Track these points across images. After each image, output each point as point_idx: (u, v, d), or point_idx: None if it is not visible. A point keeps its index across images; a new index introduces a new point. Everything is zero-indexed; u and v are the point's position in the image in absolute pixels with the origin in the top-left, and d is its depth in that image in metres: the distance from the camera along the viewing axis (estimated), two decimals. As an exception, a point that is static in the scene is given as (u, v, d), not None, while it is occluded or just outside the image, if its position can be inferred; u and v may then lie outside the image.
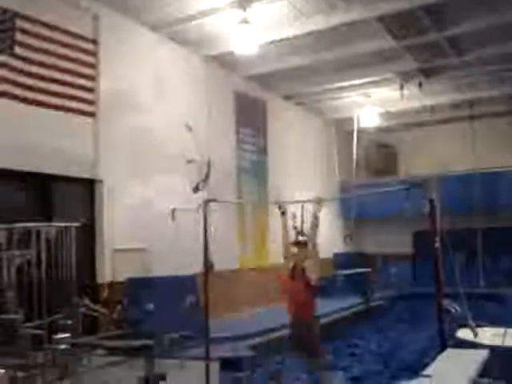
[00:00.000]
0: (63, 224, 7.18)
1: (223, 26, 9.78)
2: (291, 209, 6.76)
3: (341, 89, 13.84)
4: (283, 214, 6.59)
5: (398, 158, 18.34)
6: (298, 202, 6.98)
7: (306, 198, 7.02)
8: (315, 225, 6.16)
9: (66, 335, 6.38)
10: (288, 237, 6.40)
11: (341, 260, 15.32)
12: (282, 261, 6.41)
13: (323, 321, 10.75)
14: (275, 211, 12.56)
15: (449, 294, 5.33)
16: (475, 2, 9.34)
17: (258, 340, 8.85)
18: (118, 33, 9.22)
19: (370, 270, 13.87)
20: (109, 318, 7.79)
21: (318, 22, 9.78)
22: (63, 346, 6.21)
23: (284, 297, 6.22)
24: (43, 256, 6.79)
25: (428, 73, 12.85)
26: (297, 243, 6.26)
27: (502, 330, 8.13)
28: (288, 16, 9.68)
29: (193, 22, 9.71)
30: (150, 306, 8.02)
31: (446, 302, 5.19)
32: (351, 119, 15.69)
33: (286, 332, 9.25)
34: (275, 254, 12.93)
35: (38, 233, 6.80)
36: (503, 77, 13.07)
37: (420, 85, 13.07)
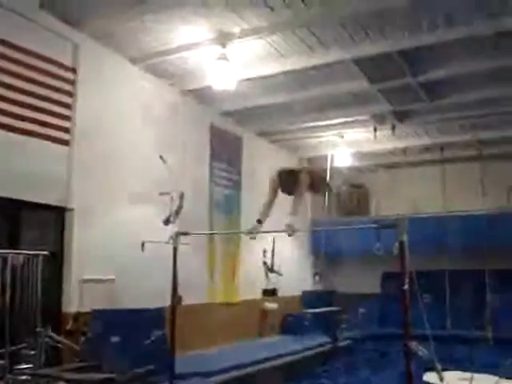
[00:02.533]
0: (31, 252, 7.07)
1: (202, 61, 9.89)
2: (261, 244, 6.79)
3: (315, 128, 14.00)
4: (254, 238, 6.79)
5: (369, 199, 18.52)
6: (269, 232, 7.02)
7: (277, 236, 7.06)
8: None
9: (28, 366, 6.24)
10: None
11: (310, 298, 15.28)
12: None
13: (290, 359, 10.75)
14: (246, 247, 12.62)
15: (416, 335, 5.35)
16: (450, 49, 9.59)
17: (224, 377, 8.75)
18: (98, 63, 9.25)
19: (338, 308, 13.86)
20: (73, 349, 7.63)
21: (296, 62, 9.95)
22: (24, 377, 6.07)
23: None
24: (8, 283, 6.67)
25: (401, 116, 13.10)
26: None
27: (468, 375, 8.17)
28: (266, 55, 9.83)
29: (172, 56, 9.80)
30: (115, 339, 7.88)
31: (413, 345, 5.21)
32: (324, 158, 15.84)
33: (252, 370, 9.21)
34: (245, 290, 12.96)
35: (4, 259, 6.69)
36: (475, 122, 13.37)
37: (393, 128, 13.32)
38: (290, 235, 6.64)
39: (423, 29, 8.81)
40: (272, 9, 8.22)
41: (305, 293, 15.68)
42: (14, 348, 6.45)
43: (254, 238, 6.90)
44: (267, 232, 6.98)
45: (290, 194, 6.72)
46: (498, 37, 9.00)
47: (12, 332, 6.53)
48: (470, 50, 9.67)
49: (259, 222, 6.76)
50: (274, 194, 6.90)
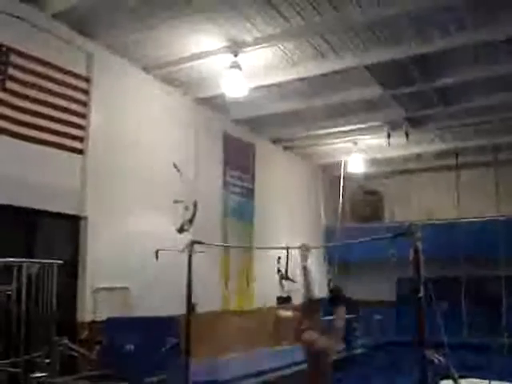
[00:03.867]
0: (45, 261, 7.10)
1: (214, 70, 9.92)
2: (276, 251, 6.77)
3: (329, 135, 13.99)
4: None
5: (383, 205, 18.45)
6: (283, 248, 6.96)
7: (291, 243, 7.04)
8: (307, 279, 6.06)
9: (43, 374, 6.25)
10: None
11: (324, 305, 15.19)
12: None
13: (304, 367, 10.67)
14: (260, 255, 12.57)
15: (432, 343, 5.30)
16: (462, 54, 9.56)
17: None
18: (111, 72, 9.31)
19: (353, 316, 13.77)
20: (87, 358, 7.64)
21: (308, 69, 9.96)
22: (39, 386, 6.08)
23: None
24: (23, 292, 6.70)
25: (415, 122, 13.04)
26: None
27: (485, 382, 8.06)
28: (279, 62, 9.85)
29: (185, 65, 9.85)
30: (130, 347, 7.88)
31: (428, 352, 5.16)
32: (338, 165, 15.82)
33: (265, 378, 9.16)
34: (259, 297, 12.93)
35: (20, 268, 6.72)
36: (489, 128, 13.28)
37: (407, 134, 13.26)
38: (304, 254, 6.50)
39: (435, 35, 8.79)
40: (284, 16, 8.24)
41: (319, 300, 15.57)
42: (28, 356, 6.46)
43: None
44: (282, 248, 6.92)
45: None
46: (510, 41, 8.95)
47: (27, 340, 6.55)
48: (484, 56, 9.63)
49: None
50: None
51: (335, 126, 13.28)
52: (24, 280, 6.70)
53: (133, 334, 8.01)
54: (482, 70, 10.01)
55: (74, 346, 7.32)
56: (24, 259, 6.89)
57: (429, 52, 9.32)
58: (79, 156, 8.57)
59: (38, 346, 6.58)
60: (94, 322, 8.38)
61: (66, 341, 7.06)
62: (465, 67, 10.04)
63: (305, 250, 6.23)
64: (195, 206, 9.35)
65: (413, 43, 9.02)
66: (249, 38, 8.88)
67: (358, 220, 17.98)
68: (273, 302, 13.63)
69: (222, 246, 11.43)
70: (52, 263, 7.11)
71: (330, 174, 17.56)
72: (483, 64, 9.87)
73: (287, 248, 6.86)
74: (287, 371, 10.14)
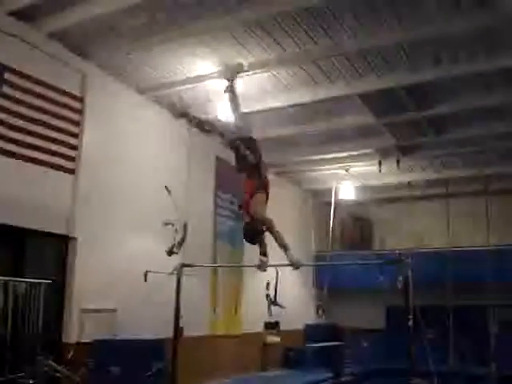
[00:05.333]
0: (33, 280, 7.05)
1: (208, 94, 9.99)
2: (264, 276, 6.75)
3: (320, 161, 14.04)
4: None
5: (373, 232, 18.47)
6: (274, 265, 6.94)
7: (280, 267, 7.02)
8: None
9: (27, 395, 6.17)
10: None
11: (312, 331, 15.14)
12: None
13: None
14: (249, 279, 12.54)
15: (420, 371, 5.28)
16: (455, 84, 9.68)
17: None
18: (105, 92, 9.35)
19: (341, 343, 13.71)
20: (72, 379, 7.54)
21: (301, 96, 10.04)
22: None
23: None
24: (9, 311, 6.63)
25: (405, 150, 13.12)
26: None
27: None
28: (272, 88, 9.94)
29: (178, 87, 9.90)
30: (116, 370, 7.80)
31: (416, 381, 5.15)
32: (329, 191, 15.86)
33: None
34: (247, 322, 12.85)
35: (6, 287, 6.66)
36: (480, 157, 13.36)
37: (398, 162, 13.34)
38: (295, 268, 6.55)
39: (428, 64, 8.91)
40: (279, 43, 8.33)
41: (307, 326, 15.53)
42: (13, 376, 6.38)
43: (265, 271, 6.82)
44: (273, 266, 6.91)
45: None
46: (503, 73, 9.08)
47: (12, 360, 6.47)
48: (475, 86, 9.75)
49: (263, 253, 6.65)
50: None
51: (327, 153, 13.33)
52: (11, 299, 6.65)
53: (119, 357, 7.93)
54: (474, 100, 10.12)
55: (58, 367, 7.24)
56: (11, 278, 6.85)
57: (421, 81, 9.43)
58: (70, 176, 8.56)
59: (23, 365, 6.50)
60: (79, 343, 8.28)
61: (50, 361, 6.98)
62: (457, 97, 10.15)
63: (296, 265, 6.27)
64: (185, 228, 9.30)
65: (405, 72, 9.14)
66: (244, 63, 8.93)
67: (347, 247, 17.97)
68: (260, 328, 13.54)
69: (210, 266, 11.39)
70: (39, 283, 7.06)
71: (320, 200, 17.58)
72: (475, 94, 9.99)
73: (276, 268, 6.84)
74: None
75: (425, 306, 5.73)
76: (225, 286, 12.42)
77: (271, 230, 6.12)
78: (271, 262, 6.74)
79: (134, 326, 8.95)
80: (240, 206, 6.85)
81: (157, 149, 10.57)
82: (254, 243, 6.39)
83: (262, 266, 6.64)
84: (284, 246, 6.11)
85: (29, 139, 7.85)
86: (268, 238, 6.48)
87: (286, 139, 12.46)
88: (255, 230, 6.19)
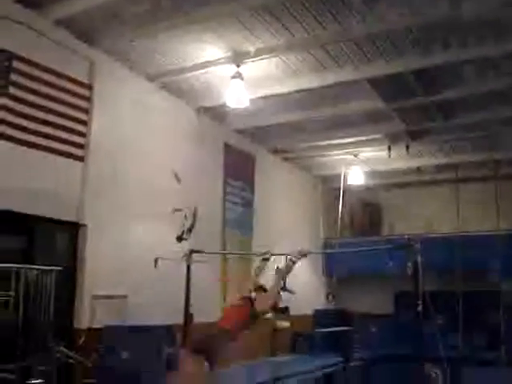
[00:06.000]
0: (44, 267, 7.09)
1: (216, 80, 9.96)
2: (275, 262, 6.78)
3: (329, 146, 14.00)
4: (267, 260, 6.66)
5: (382, 217, 18.44)
6: (282, 254, 6.98)
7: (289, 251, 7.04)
8: (286, 271, 6.22)
9: (39, 381, 6.23)
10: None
11: (321, 317, 15.15)
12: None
13: (302, 378, 10.65)
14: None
15: (429, 357, 5.29)
16: (464, 69, 9.61)
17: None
18: (113, 80, 9.34)
19: (350, 328, 13.73)
20: (84, 365, 7.61)
21: (310, 81, 10.00)
22: (35, 393, 6.06)
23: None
24: (21, 298, 6.69)
25: (415, 135, 13.05)
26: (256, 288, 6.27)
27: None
28: (280, 73, 9.89)
29: (187, 74, 9.89)
30: (125, 355, 7.85)
31: (426, 366, 5.16)
32: (338, 176, 15.83)
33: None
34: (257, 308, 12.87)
35: (18, 274, 6.71)
36: (489, 142, 13.30)
37: (407, 147, 13.28)
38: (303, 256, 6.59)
39: (437, 49, 8.84)
40: (287, 28, 8.28)
41: (317, 311, 15.55)
42: (24, 363, 6.44)
43: (268, 260, 6.87)
44: (280, 254, 6.95)
45: None
46: (511, 57, 9.00)
47: (24, 347, 6.54)
48: (484, 70, 9.67)
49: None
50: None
51: (336, 138, 13.29)
52: (22, 286, 6.70)
53: (130, 342, 7.99)
54: (483, 85, 10.05)
55: (70, 353, 7.31)
56: (22, 265, 6.90)
57: (430, 66, 9.36)
58: (79, 163, 8.59)
59: (35, 352, 6.56)
60: (91, 329, 8.36)
61: (62, 348, 7.04)
62: (466, 81, 10.07)
63: (303, 254, 6.28)
64: (195, 214, 9.34)
65: (414, 57, 9.07)
66: (251, 49, 8.91)
67: (357, 232, 17.95)
68: (270, 313, 13.56)
69: (220, 253, 11.43)
70: (50, 269, 7.11)
71: (329, 186, 17.56)
72: (484, 78, 9.91)
73: (286, 256, 6.87)
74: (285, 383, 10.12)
75: (434, 291, 5.73)
76: (235, 272, 12.45)
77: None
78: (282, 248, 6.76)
79: (144, 312, 9.00)
80: None
81: (165, 135, 10.58)
82: None
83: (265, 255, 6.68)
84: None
85: (37, 127, 7.85)
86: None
87: (294, 125, 12.43)
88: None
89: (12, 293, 6.62)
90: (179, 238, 9.15)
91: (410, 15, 7.80)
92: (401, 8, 7.69)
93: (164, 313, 8.88)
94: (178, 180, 9.35)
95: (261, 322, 6.21)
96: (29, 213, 7.73)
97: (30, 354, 6.55)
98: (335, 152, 14.56)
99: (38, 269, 7.00)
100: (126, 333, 8.23)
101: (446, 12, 7.58)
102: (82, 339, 8.18)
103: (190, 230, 9.18)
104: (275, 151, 14.73)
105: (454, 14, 7.59)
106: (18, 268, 6.75)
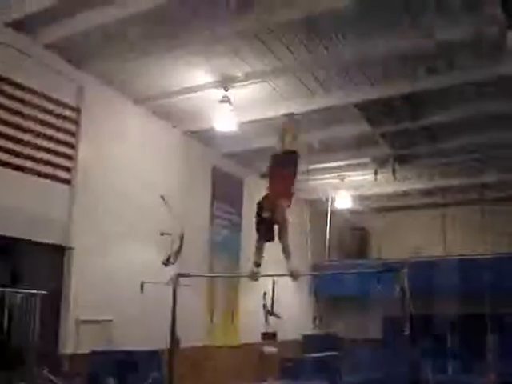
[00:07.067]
0: (29, 291, 7.02)
1: (204, 104, 9.99)
2: (262, 286, 6.75)
3: (316, 170, 14.03)
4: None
5: (370, 241, 18.46)
6: (271, 275, 6.94)
7: (278, 278, 7.01)
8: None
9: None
10: None
11: (310, 342, 15.06)
12: None
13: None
14: (246, 289, 12.47)
15: (418, 381, 5.27)
16: (450, 93, 9.71)
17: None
18: (101, 102, 9.35)
19: (339, 353, 13.64)
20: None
21: (297, 106, 10.04)
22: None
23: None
24: (5, 322, 6.60)
25: (401, 159, 13.13)
26: None
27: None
28: (268, 98, 9.95)
29: (175, 98, 9.92)
30: (110, 381, 7.75)
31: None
32: (325, 200, 15.85)
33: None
34: (244, 333, 12.81)
35: (2, 298, 6.63)
36: (476, 166, 13.40)
37: (394, 171, 13.35)
38: (294, 279, 6.57)
39: (423, 74, 8.94)
40: (275, 53, 8.36)
41: (305, 337, 15.47)
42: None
43: (257, 280, 6.80)
44: (270, 275, 6.90)
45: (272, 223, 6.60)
46: (498, 81, 9.10)
47: (8, 371, 6.44)
48: (470, 95, 9.77)
49: (256, 264, 6.61)
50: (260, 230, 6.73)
51: (323, 162, 13.35)
52: (6, 309, 6.62)
53: (115, 368, 7.89)
54: (469, 109, 10.15)
55: (53, 378, 7.19)
56: (7, 288, 6.82)
57: (416, 90, 9.46)
58: (66, 186, 8.55)
59: (19, 377, 6.47)
60: (75, 354, 8.24)
61: (46, 372, 6.94)
62: (452, 106, 10.18)
63: (295, 275, 6.29)
64: (181, 238, 9.30)
65: (401, 82, 9.17)
66: (239, 74, 8.98)
67: (344, 256, 17.94)
68: (258, 338, 13.49)
69: (206, 276, 11.37)
70: (35, 293, 7.02)
71: (317, 209, 17.56)
72: (470, 103, 10.01)
73: (273, 277, 6.84)
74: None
75: (422, 314, 5.72)
76: (222, 296, 12.38)
77: (284, 230, 6.17)
78: (269, 272, 6.72)
79: (130, 336, 8.91)
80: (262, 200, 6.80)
81: (153, 158, 10.57)
82: (266, 238, 6.31)
83: (254, 276, 6.62)
84: (288, 254, 6.14)
85: (24, 150, 7.83)
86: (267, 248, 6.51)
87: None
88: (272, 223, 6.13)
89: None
90: (166, 262, 9.11)
91: (397, 40, 7.90)
92: (388, 34, 7.79)
93: (150, 337, 8.79)
94: (165, 202, 9.32)
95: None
96: (14, 236, 7.65)
97: (13, 379, 6.45)
98: (322, 176, 14.59)
99: (22, 292, 6.92)
100: (111, 358, 8.13)
101: (432, 37, 7.68)
102: (67, 364, 8.05)
103: (176, 254, 9.14)
104: (263, 175, 14.71)
105: (439, 39, 7.70)
106: (2, 291, 6.67)
